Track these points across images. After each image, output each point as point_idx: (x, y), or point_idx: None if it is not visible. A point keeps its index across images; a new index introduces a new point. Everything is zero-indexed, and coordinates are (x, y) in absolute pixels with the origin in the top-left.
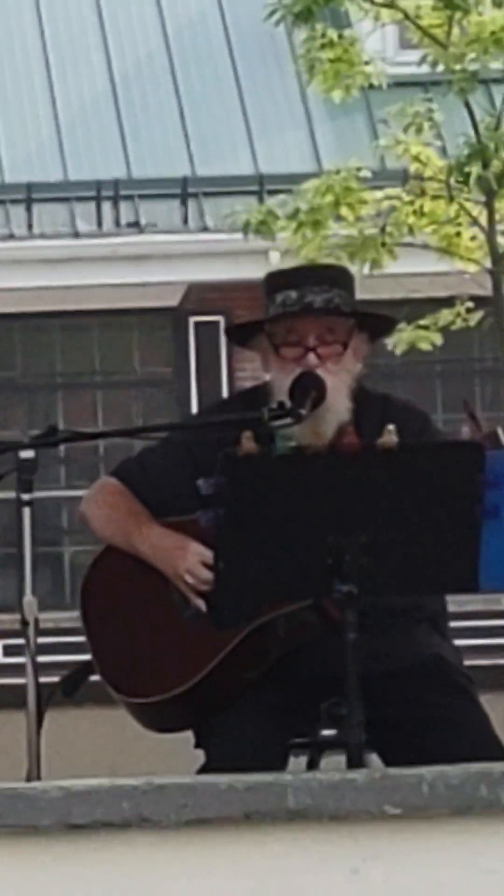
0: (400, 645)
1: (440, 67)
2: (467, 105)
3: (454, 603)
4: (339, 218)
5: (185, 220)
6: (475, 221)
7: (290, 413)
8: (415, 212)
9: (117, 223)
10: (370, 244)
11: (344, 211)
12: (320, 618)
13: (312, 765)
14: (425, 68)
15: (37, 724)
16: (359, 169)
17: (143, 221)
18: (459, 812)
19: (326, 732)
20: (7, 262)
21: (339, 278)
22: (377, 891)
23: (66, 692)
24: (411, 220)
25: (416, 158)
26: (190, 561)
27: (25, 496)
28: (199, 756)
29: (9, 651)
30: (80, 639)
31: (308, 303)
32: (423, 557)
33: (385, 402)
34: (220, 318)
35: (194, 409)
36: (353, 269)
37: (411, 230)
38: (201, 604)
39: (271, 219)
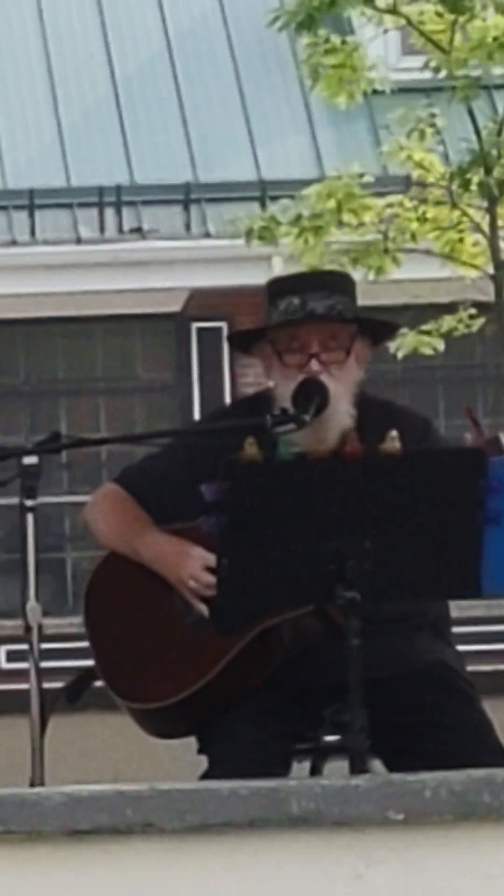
0: (402, 651)
1: (443, 73)
2: (470, 111)
3: (456, 608)
4: (341, 224)
5: (188, 226)
6: (477, 227)
7: (293, 419)
8: (418, 218)
9: (120, 229)
10: (373, 250)
11: (346, 217)
12: (324, 624)
13: (315, 771)
14: (428, 74)
15: (40, 729)
16: (361, 175)
17: (145, 227)
18: (462, 818)
19: (329, 738)
20: (9, 268)
21: (340, 284)
22: None
23: (69, 699)
24: (414, 226)
25: (419, 164)
26: (192, 566)
27: (29, 502)
28: (203, 762)
29: (12, 657)
30: (83, 644)
31: (311, 309)
32: (425, 563)
33: (387, 408)
34: (222, 324)
35: (197, 415)
36: (356, 275)
37: (413, 236)
38: (204, 609)
39: (273, 225)
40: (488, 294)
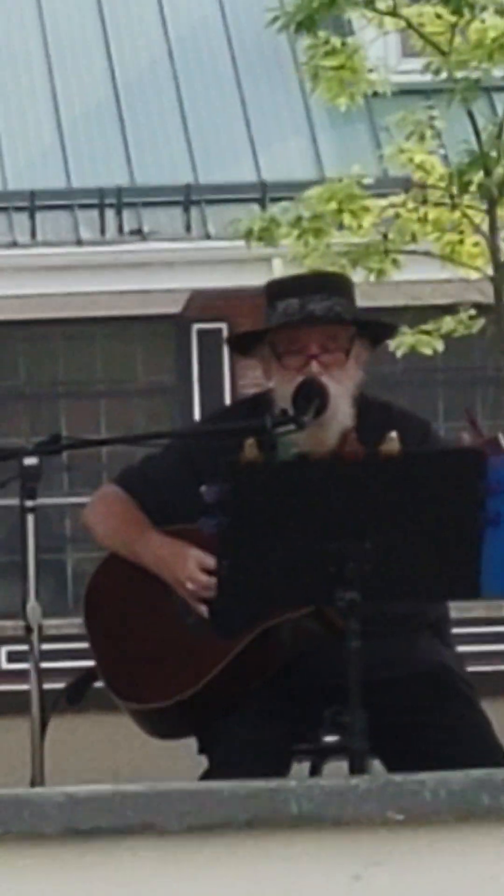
0: (402, 652)
1: (443, 75)
2: (469, 113)
3: (456, 609)
4: (341, 226)
5: (188, 228)
6: (477, 229)
7: (293, 420)
8: (419, 219)
9: (120, 231)
10: (373, 252)
11: (347, 219)
12: (323, 625)
13: (315, 771)
14: (428, 76)
15: (40, 730)
16: (361, 177)
17: (145, 229)
18: (462, 819)
19: (329, 739)
20: (10, 270)
21: (339, 286)
22: None
23: (70, 700)
24: (415, 227)
25: (419, 166)
26: (190, 568)
27: (29, 503)
28: (203, 762)
29: (13, 657)
30: (84, 645)
31: (310, 311)
32: (425, 564)
33: (387, 409)
34: (222, 326)
35: (197, 416)
36: (357, 277)
37: (414, 237)
38: (203, 611)
39: (274, 226)
40: (488, 296)
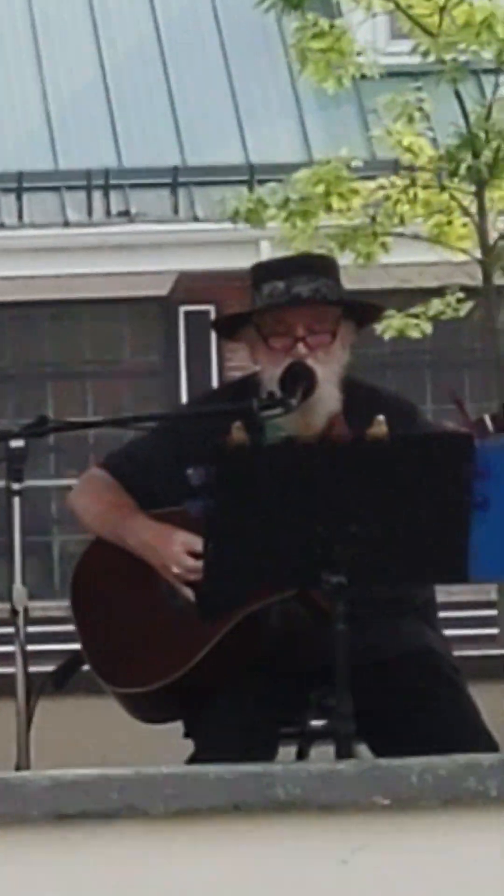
0: (389, 635)
1: (431, 57)
2: (458, 95)
3: (443, 593)
4: (329, 209)
5: (176, 210)
6: (466, 212)
7: (280, 403)
8: (408, 200)
9: (107, 212)
10: (361, 234)
11: (335, 201)
12: (309, 608)
13: (301, 755)
14: (416, 58)
15: (26, 713)
16: (350, 159)
17: (133, 211)
18: (448, 803)
19: (316, 723)
20: None
21: (324, 267)
22: (365, 881)
23: (56, 683)
24: (405, 208)
25: (408, 149)
26: (175, 551)
27: (15, 485)
28: (189, 746)
29: None
30: (70, 628)
31: (296, 293)
32: (412, 548)
33: (373, 393)
34: (210, 308)
35: (184, 398)
36: (345, 259)
37: (402, 219)
38: (190, 594)
39: (261, 208)
40: (476, 278)
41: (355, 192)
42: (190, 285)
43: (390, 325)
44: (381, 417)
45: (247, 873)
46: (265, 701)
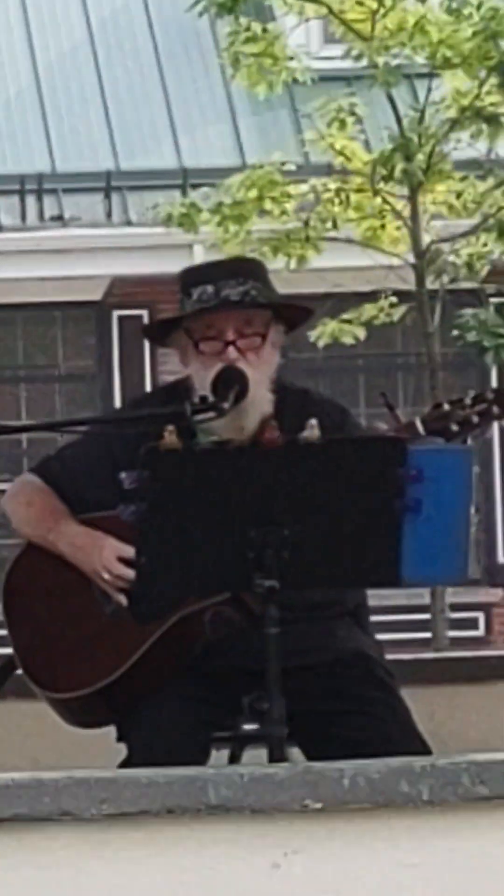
0: (321, 639)
1: (364, 61)
2: (391, 99)
3: (376, 597)
4: (263, 213)
5: (109, 214)
6: (399, 215)
7: (212, 407)
8: (340, 202)
9: (41, 217)
10: (294, 238)
11: (268, 205)
12: (242, 612)
13: (234, 759)
14: (349, 62)
15: None
16: (283, 163)
17: (66, 215)
18: (380, 806)
19: (248, 727)
20: None
21: (253, 270)
22: (298, 885)
23: None
24: (336, 209)
25: (341, 153)
26: (105, 557)
27: None
28: (122, 750)
29: None
30: (2, 633)
31: (224, 296)
32: (344, 551)
33: (305, 396)
34: (143, 313)
35: (117, 403)
36: (278, 264)
37: (335, 223)
38: (122, 599)
39: (194, 212)
40: (409, 283)
41: (288, 196)
42: (123, 290)
43: (324, 331)
44: (314, 421)
45: (179, 877)
46: (198, 704)
